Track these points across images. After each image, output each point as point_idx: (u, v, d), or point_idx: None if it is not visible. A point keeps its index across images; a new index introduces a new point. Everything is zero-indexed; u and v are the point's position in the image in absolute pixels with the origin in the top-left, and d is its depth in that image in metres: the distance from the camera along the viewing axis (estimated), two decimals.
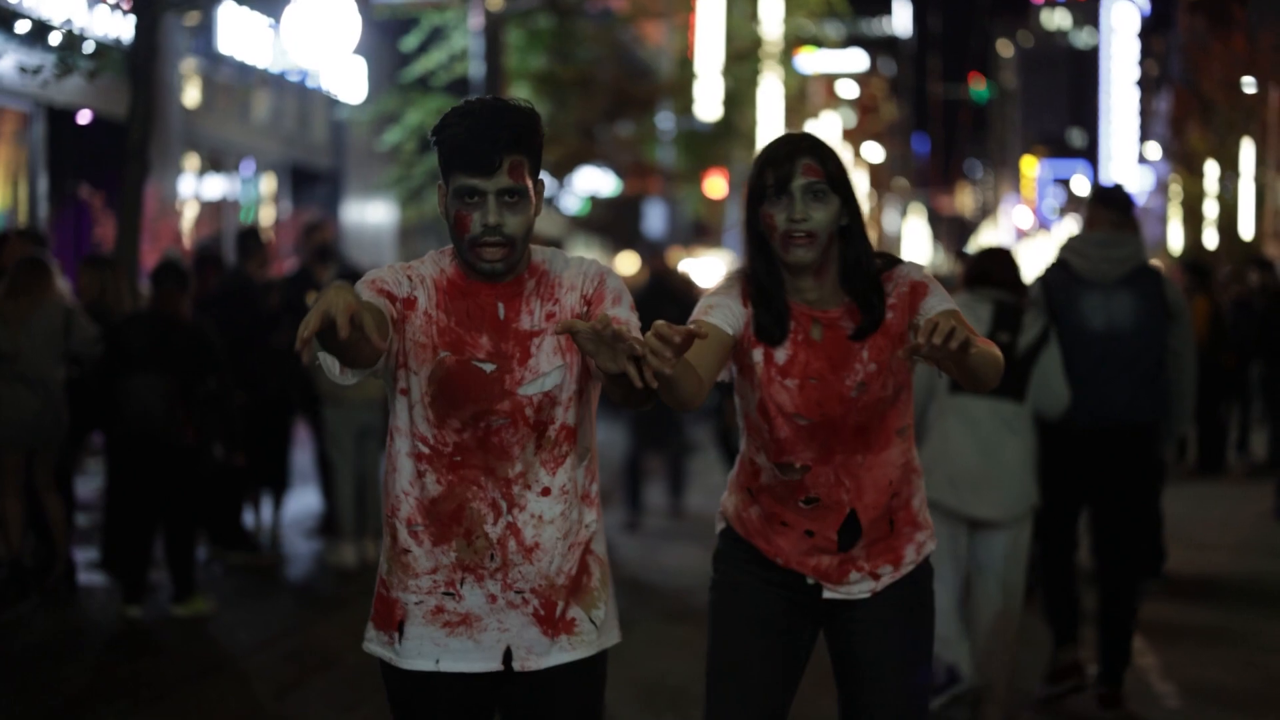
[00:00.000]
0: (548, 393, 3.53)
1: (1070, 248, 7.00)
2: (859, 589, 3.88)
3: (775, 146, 3.82)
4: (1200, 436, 15.89)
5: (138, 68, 10.08)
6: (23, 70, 10.56)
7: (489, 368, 3.52)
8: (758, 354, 3.82)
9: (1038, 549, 7.03)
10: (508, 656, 3.56)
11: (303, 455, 12.43)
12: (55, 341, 8.92)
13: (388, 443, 3.65)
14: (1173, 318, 6.88)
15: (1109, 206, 7.00)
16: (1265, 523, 12.36)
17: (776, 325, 3.80)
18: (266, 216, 25.33)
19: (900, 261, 3.87)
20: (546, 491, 3.56)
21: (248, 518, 10.86)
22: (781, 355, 3.80)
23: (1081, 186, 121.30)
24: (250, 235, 11.21)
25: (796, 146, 3.79)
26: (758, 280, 3.82)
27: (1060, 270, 6.86)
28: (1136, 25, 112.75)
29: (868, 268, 3.80)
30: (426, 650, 3.56)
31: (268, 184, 25.74)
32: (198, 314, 9.37)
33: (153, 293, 9.12)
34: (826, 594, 3.88)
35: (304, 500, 12.36)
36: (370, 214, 28.09)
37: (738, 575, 3.95)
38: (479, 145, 3.43)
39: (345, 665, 7.76)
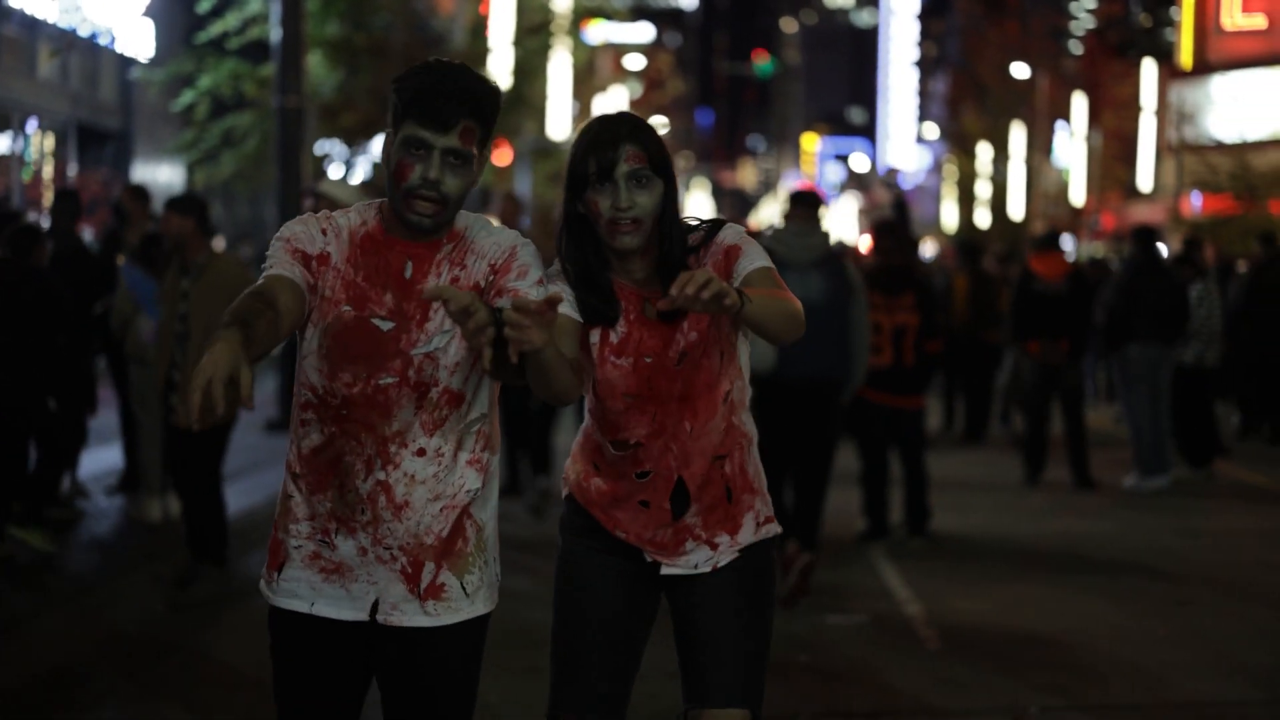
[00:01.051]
0: (430, 354, 3.57)
1: (773, 237, 8.80)
2: (697, 559, 3.87)
3: (599, 132, 3.74)
4: (968, 407, 16.78)
5: None
6: None
7: (387, 325, 3.56)
8: (594, 335, 3.79)
9: None
10: (374, 609, 3.62)
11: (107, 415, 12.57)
12: None
13: (295, 394, 3.71)
14: (852, 293, 8.67)
15: (802, 205, 8.80)
16: (1019, 489, 13.15)
17: (607, 306, 3.77)
18: (48, 175, 25.05)
19: (721, 227, 3.86)
20: (421, 452, 3.60)
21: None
22: (616, 335, 3.78)
23: (861, 164, 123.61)
24: (70, 196, 11.35)
25: (619, 132, 3.71)
26: (582, 265, 3.78)
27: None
28: (916, 7, 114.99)
29: (677, 247, 3.77)
30: (303, 592, 3.64)
31: (50, 142, 25.43)
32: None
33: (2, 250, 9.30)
34: (665, 570, 3.88)
35: (105, 457, 12.53)
36: (160, 175, 27.89)
37: (580, 545, 3.95)
38: (438, 101, 3.47)
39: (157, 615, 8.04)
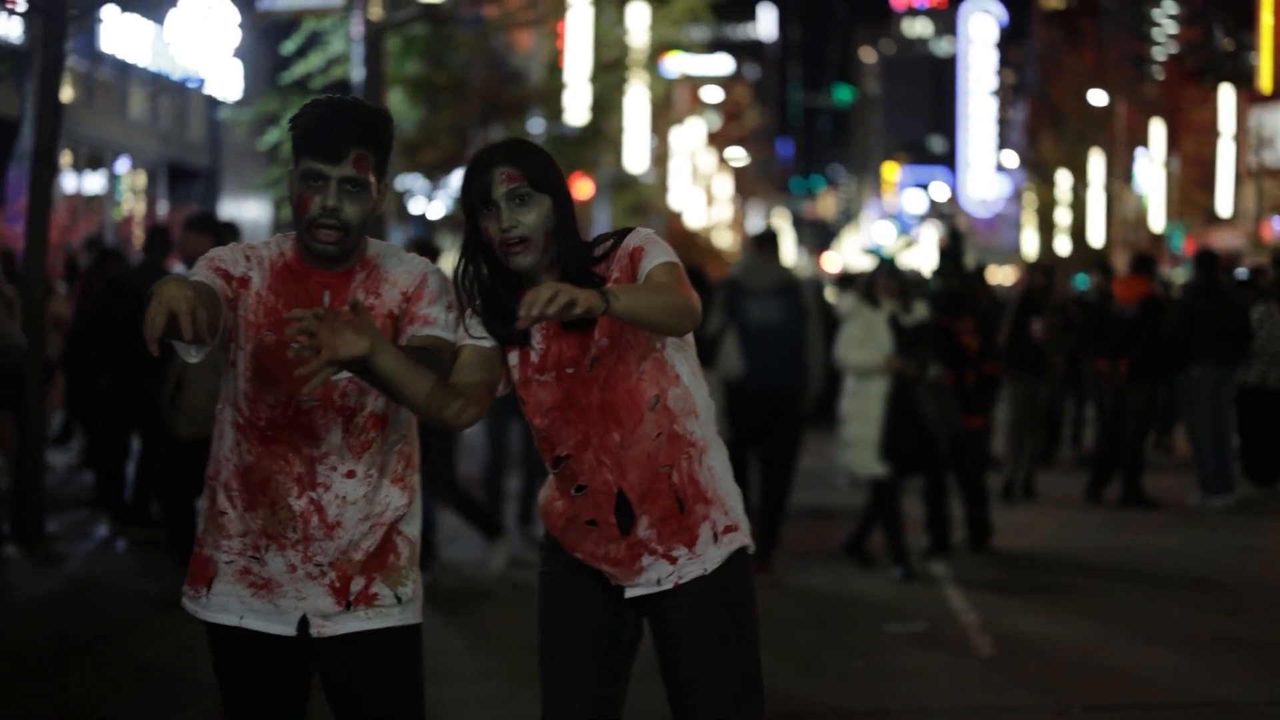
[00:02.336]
0: (353, 379, 3.67)
1: (740, 267, 10.88)
2: (657, 574, 3.82)
3: (473, 161, 3.79)
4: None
5: (46, 75, 10.67)
6: None
7: (307, 351, 3.58)
8: (514, 357, 3.82)
9: None
10: (304, 624, 3.74)
11: None
12: None
13: (217, 409, 3.83)
14: (805, 316, 10.25)
15: (764, 243, 10.70)
16: (1081, 505, 13.43)
17: (519, 334, 3.78)
18: (140, 212, 25.77)
19: (627, 234, 3.84)
20: (351, 474, 3.73)
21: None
22: (535, 354, 3.80)
23: (941, 193, 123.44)
24: (161, 232, 11.88)
25: (494, 157, 3.74)
26: (488, 291, 3.79)
27: (734, 284, 10.36)
28: (995, 35, 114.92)
29: (575, 259, 3.76)
30: (232, 606, 3.76)
31: (141, 180, 26.16)
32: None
33: None
34: (629, 593, 3.85)
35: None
36: (247, 211, 28.60)
37: (557, 567, 3.95)
38: (329, 134, 3.62)
39: None
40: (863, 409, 10.22)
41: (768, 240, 10.78)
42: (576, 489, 3.81)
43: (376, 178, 3.71)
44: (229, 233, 11.97)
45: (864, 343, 10.21)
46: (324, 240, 3.66)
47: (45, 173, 10.83)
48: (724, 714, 3.78)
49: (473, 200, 3.74)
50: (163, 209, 26.22)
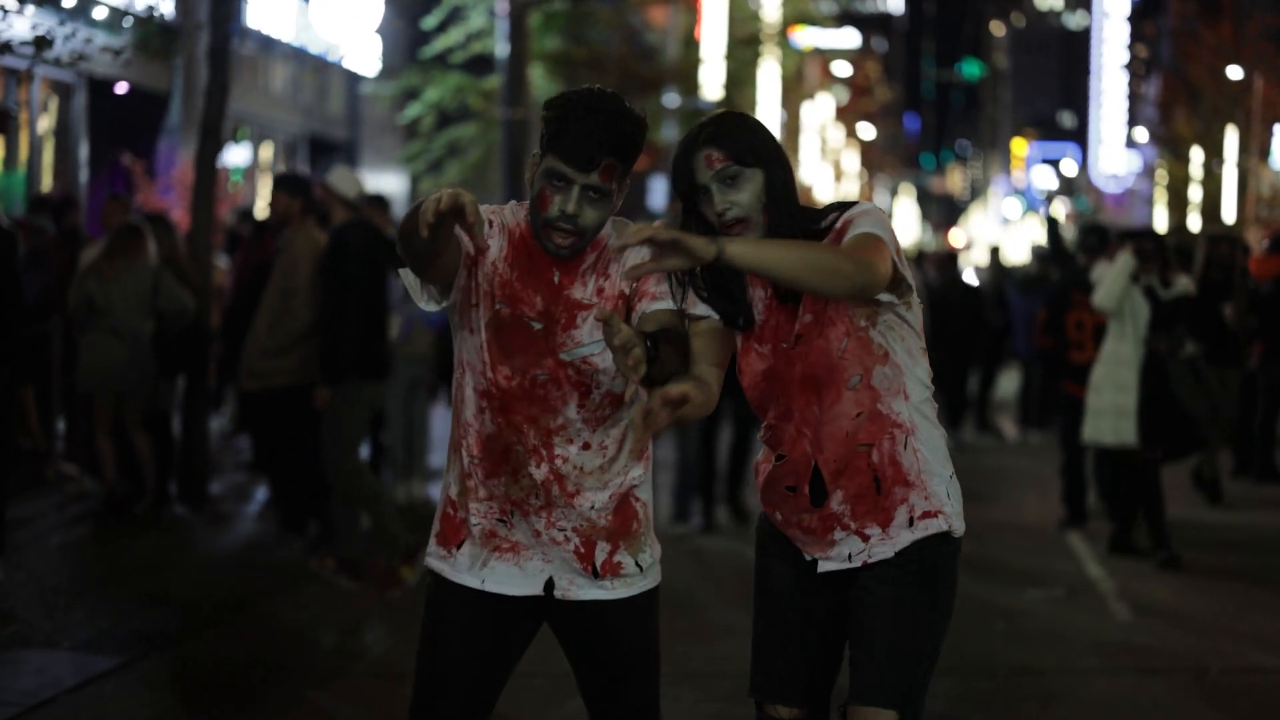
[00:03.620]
0: (587, 359, 3.69)
1: None
2: (849, 549, 3.79)
3: (678, 148, 3.75)
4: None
5: (215, 51, 11.11)
6: (105, 50, 11.57)
7: (537, 326, 3.69)
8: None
9: None
10: (549, 585, 3.78)
11: None
12: (145, 300, 10.02)
13: (456, 374, 3.83)
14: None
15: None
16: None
17: (742, 313, 3.79)
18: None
19: (847, 207, 3.78)
20: (587, 446, 3.75)
21: None
22: (755, 325, 3.82)
23: (1070, 169, 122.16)
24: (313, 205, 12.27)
25: (692, 144, 3.71)
26: (713, 275, 3.73)
27: None
28: (1127, 9, 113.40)
29: (789, 228, 3.71)
30: (476, 569, 3.80)
31: (285, 154, 26.74)
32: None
33: None
34: (822, 567, 3.84)
35: None
36: (385, 184, 29.13)
37: (766, 553, 3.97)
38: (583, 142, 3.58)
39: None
40: (1118, 376, 9.82)
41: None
42: (778, 458, 3.83)
43: (619, 183, 3.69)
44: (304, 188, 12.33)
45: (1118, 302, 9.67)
46: (557, 243, 3.66)
47: (211, 148, 11.26)
48: (880, 690, 3.72)
49: (681, 192, 3.72)
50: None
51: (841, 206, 3.78)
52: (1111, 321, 9.93)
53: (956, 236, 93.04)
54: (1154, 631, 8.01)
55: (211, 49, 11.15)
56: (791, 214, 3.72)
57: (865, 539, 3.77)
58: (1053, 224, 13.20)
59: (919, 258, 18.37)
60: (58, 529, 9.96)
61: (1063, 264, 12.49)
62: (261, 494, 11.38)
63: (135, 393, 10.15)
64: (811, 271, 3.46)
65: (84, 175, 20.01)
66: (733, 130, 3.70)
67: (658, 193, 28.53)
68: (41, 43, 9.80)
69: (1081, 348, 10.71)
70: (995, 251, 21.03)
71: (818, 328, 3.72)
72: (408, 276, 3.67)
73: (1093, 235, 11.43)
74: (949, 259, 18.22)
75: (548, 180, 3.64)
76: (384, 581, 8.58)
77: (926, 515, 3.77)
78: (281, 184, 9.80)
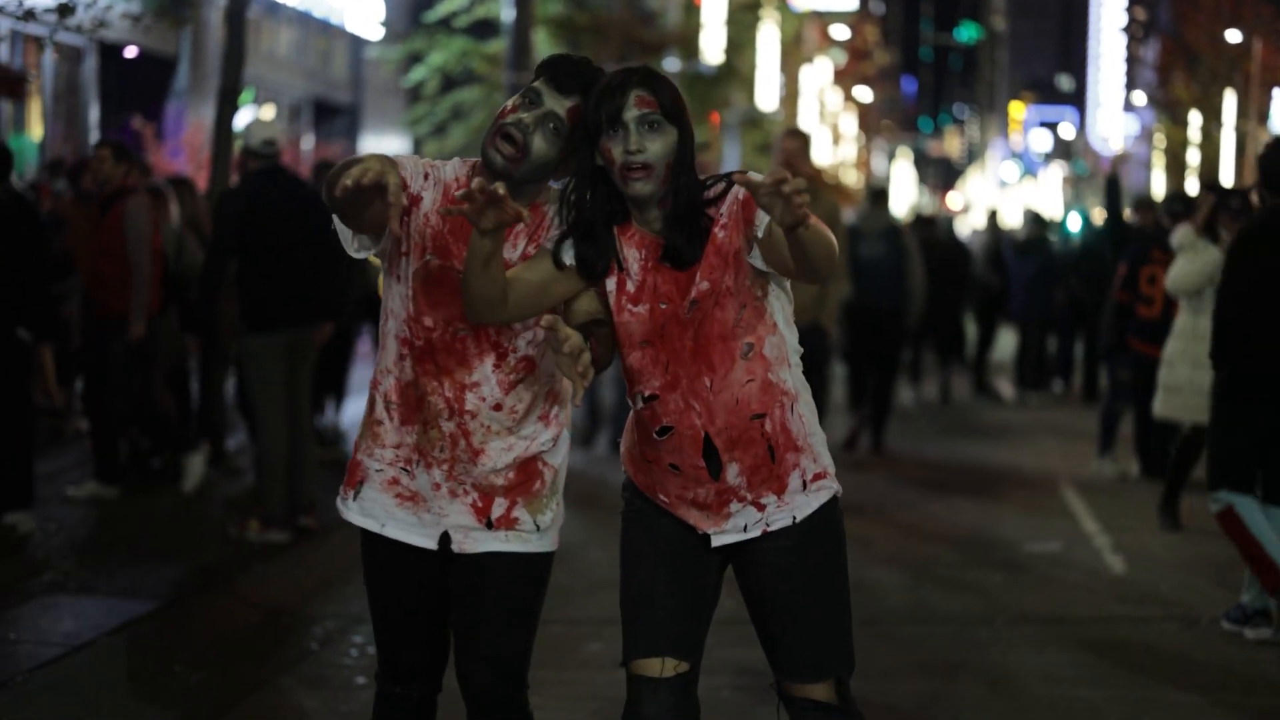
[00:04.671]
0: (509, 325, 3.76)
1: (858, 214, 13.75)
2: (744, 520, 3.78)
3: (609, 80, 3.69)
4: None
5: (232, 18, 11.35)
6: (124, 17, 11.81)
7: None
8: (611, 283, 3.74)
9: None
10: (445, 540, 3.85)
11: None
12: (168, 260, 10.26)
13: (380, 321, 3.89)
14: (905, 254, 13.02)
15: (875, 198, 13.90)
16: None
17: (599, 258, 3.72)
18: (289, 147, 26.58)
19: (733, 179, 3.71)
20: (498, 407, 3.80)
21: (317, 419, 12.25)
22: (632, 283, 3.73)
23: (1068, 133, 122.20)
24: (327, 167, 12.54)
25: (628, 78, 3.66)
26: (583, 214, 3.71)
27: (853, 228, 12.75)
28: None
29: (688, 196, 3.69)
30: (376, 514, 3.89)
31: (289, 117, 26.95)
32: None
33: None
34: (717, 541, 3.81)
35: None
36: (387, 146, 29.37)
37: (643, 506, 3.91)
38: (568, 70, 3.72)
39: None
40: (1194, 351, 9.14)
41: (879, 195, 14.05)
42: (660, 430, 3.75)
43: (576, 142, 3.71)
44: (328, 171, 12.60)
45: (1199, 275, 9.07)
46: (499, 150, 3.67)
47: (229, 111, 11.51)
48: (815, 666, 3.77)
49: (600, 118, 3.64)
50: (308, 144, 27.00)
51: (723, 178, 3.77)
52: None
53: (954, 200, 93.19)
54: (1147, 583, 8.32)
55: (228, 14, 11.39)
56: (693, 180, 3.71)
57: (761, 508, 3.78)
58: (1112, 184, 13.36)
59: (916, 221, 18.64)
60: (81, 483, 10.21)
61: (1117, 226, 12.94)
62: None
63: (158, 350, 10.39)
64: (827, 258, 3.51)
65: (94, 138, 20.23)
66: (663, 82, 3.70)
67: None
68: (64, 10, 10.03)
69: (1150, 303, 10.67)
70: (993, 215, 21.27)
71: (713, 296, 3.69)
72: (338, 223, 3.71)
73: (1177, 202, 11.43)
74: (927, 221, 18.55)
75: (522, 95, 3.72)
76: (238, 525, 8.84)
77: (818, 477, 3.81)
78: (107, 149, 9.85)
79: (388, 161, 3.47)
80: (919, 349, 16.82)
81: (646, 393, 3.75)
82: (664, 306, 3.70)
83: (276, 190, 8.77)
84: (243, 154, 9.02)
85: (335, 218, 3.70)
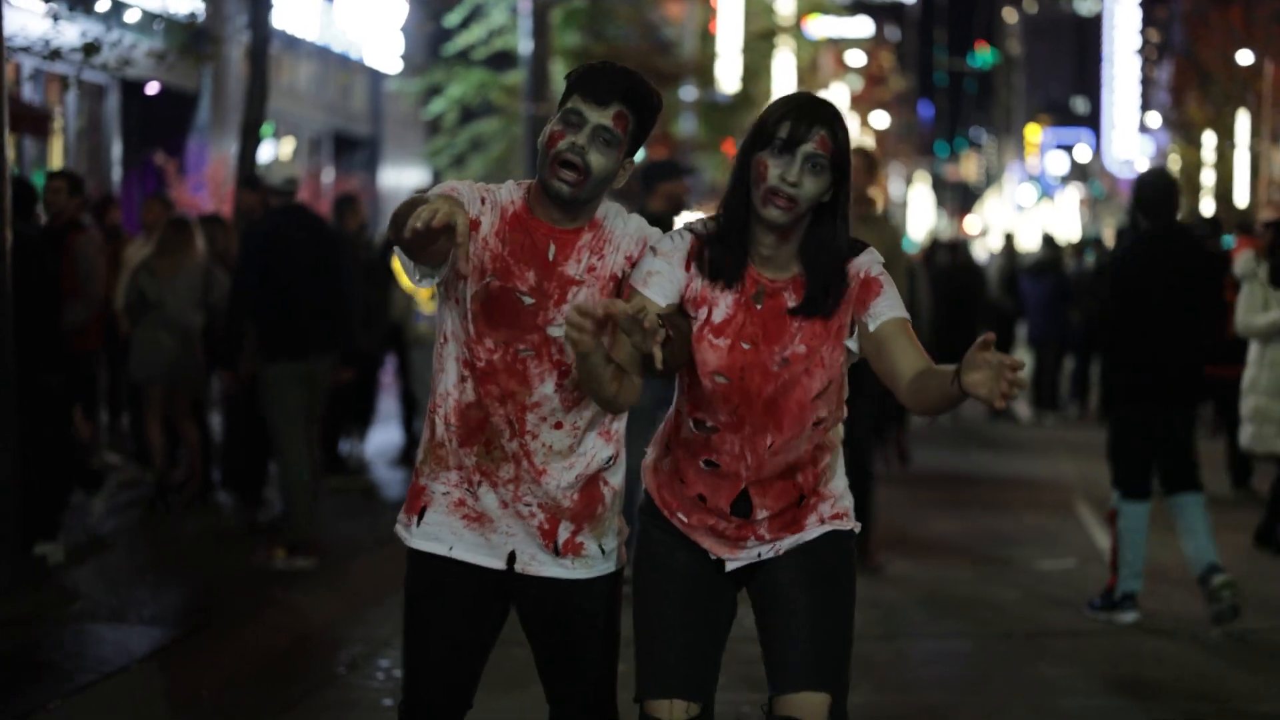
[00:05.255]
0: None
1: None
2: (760, 550, 3.83)
3: (803, 104, 3.66)
4: None
5: (255, 54, 11.56)
6: (150, 55, 12.00)
7: (528, 301, 3.72)
8: (701, 313, 3.71)
9: None
10: (511, 559, 3.83)
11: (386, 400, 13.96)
12: (195, 294, 10.46)
13: (437, 345, 3.86)
14: (910, 274, 10.63)
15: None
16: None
17: (734, 266, 3.70)
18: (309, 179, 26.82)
19: (862, 250, 3.75)
20: (559, 425, 3.78)
21: (342, 447, 12.43)
22: (720, 314, 3.70)
23: (1084, 155, 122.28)
24: (348, 200, 12.73)
25: (818, 115, 3.63)
26: (729, 217, 3.71)
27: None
28: None
29: (837, 247, 3.70)
30: (443, 536, 3.85)
31: (309, 151, 27.19)
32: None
33: None
34: (730, 566, 3.84)
35: (386, 434, 13.95)
36: (406, 179, 29.58)
37: (657, 538, 3.90)
38: (601, 80, 3.67)
39: None
40: (1268, 380, 9.33)
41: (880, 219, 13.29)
42: (707, 462, 3.78)
43: (627, 146, 3.73)
44: (350, 204, 12.80)
45: (1266, 304, 9.23)
46: (563, 179, 3.66)
47: (252, 145, 11.72)
48: (813, 673, 3.76)
49: (772, 133, 3.63)
50: (328, 177, 27.23)
51: (855, 244, 3.75)
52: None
53: (972, 223, 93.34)
54: (1160, 595, 8.45)
55: (251, 50, 11.61)
56: (844, 229, 3.71)
57: (778, 550, 3.83)
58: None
59: (936, 245, 18.87)
60: (108, 514, 10.38)
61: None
62: None
63: (185, 384, 10.59)
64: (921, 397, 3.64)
65: (117, 174, 20.46)
66: (844, 129, 3.68)
67: None
68: (90, 49, 10.26)
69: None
70: (1009, 238, 21.42)
71: (806, 362, 3.71)
72: (400, 255, 3.69)
73: (1206, 225, 11.54)
74: (951, 246, 18.77)
75: (563, 121, 3.68)
76: (264, 553, 8.99)
77: (835, 516, 3.86)
78: (63, 180, 10.10)
79: (455, 202, 3.44)
80: None
81: (708, 423, 3.76)
82: (746, 347, 3.69)
83: (296, 226, 9.10)
84: (264, 191, 9.30)
85: (398, 250, 3.69)
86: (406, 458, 12.77)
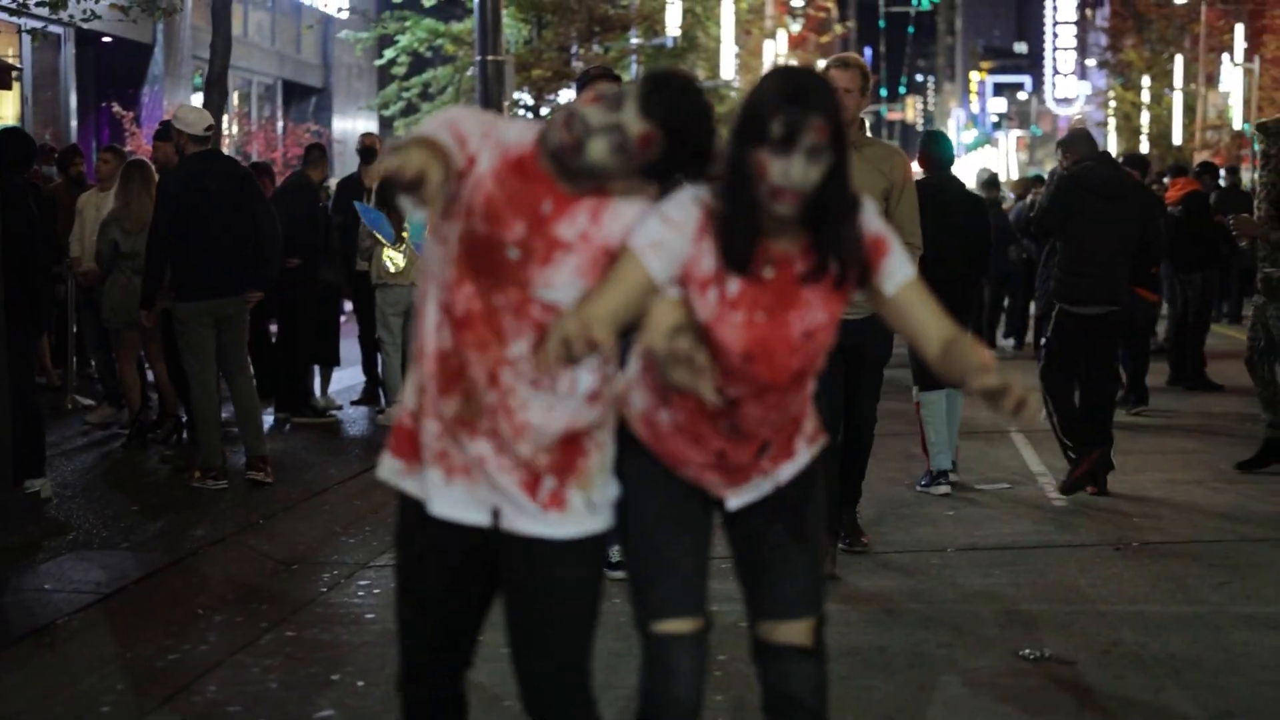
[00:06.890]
0: (551, 304, 3.51)
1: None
2: (760, 489, 3.83)
3: (794, 93, 3.46)
4: None
5: (217, 7, 11.92)
6: (113, 8, 12.34)
7: (513, 253, 3.50)
8: (711, 293, 3.57)
9: None
10: (496, 516, 3.64)
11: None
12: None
13: (420, 284, 3.71)
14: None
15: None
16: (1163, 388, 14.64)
17: (749, 250, 3.54)
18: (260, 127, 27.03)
19: (859, 205, 3.62)
20: (537, 384, 3.57)
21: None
22: (733, 288, 3.56)
23: (1023, 97, 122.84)
24: (316, 148, 13.13)
25: (811, 104, 3.44)
26: (734, 209, 3.52)
27: None
28: None
29: (844, 210, 3.56)
30: (426, 490, 3.65)
31: (259, 100, 27.41)
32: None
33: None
34: (733, 505, 3.83)
35: (345, 375, 14.40)
36: (356, 126, 29.83)
37: (651, 470, 3.81)
38: (663, 86, 3.49)
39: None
40: None
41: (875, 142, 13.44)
42: (730, 427, 3.71)
43: (640, 167, 3.52)
44: (318, 152, 13.20)
45: None
46: (559, 135, 3.48)
47: (217, 98, 12.10)
48: (805, 602, 3.82)
49: (766, 128, 3.46)
50: (279, 125, 27.47)
51: (855, 203, 3.62)
52: None
53: (913, 166, 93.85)
54: (1085, 515, 9.11)
55: (214, 5, 11.92)
56: (847, 199, 3.59)
57: (776, 474, 3.84)
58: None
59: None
60: (85, 450, 10.81)
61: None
62: (270, 416, 12.28)
63: (156, 327, 11.00)
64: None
65: (73, 124, 20.68)
66: (837, 106, 3.51)
67: None
68: (56, 3, 10.64)
69: None
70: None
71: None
72: (404, 200, 3.45)
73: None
74: None
75: (612, 92, 3.54)
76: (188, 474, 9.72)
77: (814, 435, 3.91)
78: (158, 136, 10.81)
79: (431, 150, 3.32)
80: None
81: (733, 395, 3.65)
82: (760, 319, 3.58)
83: (211, 173, 9.62)
84: (181, 139, 9.77)
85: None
86: (368, 396, 13.25)
